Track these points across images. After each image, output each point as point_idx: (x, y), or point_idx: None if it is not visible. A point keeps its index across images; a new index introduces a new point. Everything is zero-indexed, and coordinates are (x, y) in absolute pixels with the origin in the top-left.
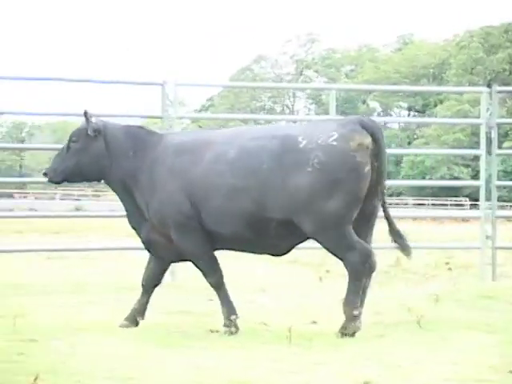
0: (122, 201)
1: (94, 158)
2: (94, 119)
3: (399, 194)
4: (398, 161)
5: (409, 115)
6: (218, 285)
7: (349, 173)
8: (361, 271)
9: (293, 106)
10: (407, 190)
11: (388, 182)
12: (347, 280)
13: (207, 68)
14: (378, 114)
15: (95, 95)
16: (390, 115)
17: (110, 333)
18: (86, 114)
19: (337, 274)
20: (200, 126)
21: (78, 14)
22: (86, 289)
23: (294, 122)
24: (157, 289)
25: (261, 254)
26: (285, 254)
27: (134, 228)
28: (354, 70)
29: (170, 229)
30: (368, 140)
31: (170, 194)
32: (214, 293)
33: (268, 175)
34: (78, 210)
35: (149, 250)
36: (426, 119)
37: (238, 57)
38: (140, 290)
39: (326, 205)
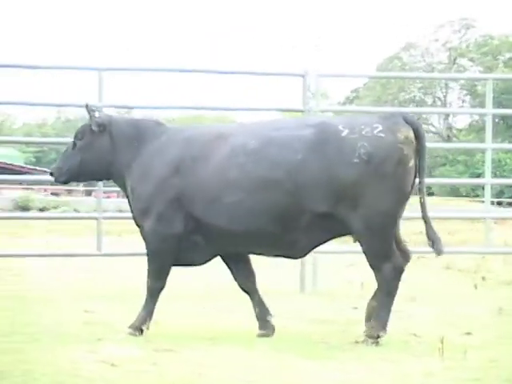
0: (127, 199)
1: (99, 155)
2: (97, 113)
3: None
4: None
5: None
6: (152, 292)
7: (397, 166)
8: (394, 286)
9: (445, 97)
10: None
11: None
12: (379, 294)
13: (352, 57)
14: None
15: (225, 87)
16: None
17: (247, 342)
18: (87, 107)
19: (493, 281)
20: None
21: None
22: (220, 294)
23: (447, 114)
24: (298, 296)
25: (275, 255)
26: (301, 256)
27: (138, 226)
28: None
29: (147, 219)
30: (412, 134)
31: (162, 185)
32: (359, 300)
33: (304, 165)
34: None
35: None
36: None
37: (385, 44)
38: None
39: (376, 200)
